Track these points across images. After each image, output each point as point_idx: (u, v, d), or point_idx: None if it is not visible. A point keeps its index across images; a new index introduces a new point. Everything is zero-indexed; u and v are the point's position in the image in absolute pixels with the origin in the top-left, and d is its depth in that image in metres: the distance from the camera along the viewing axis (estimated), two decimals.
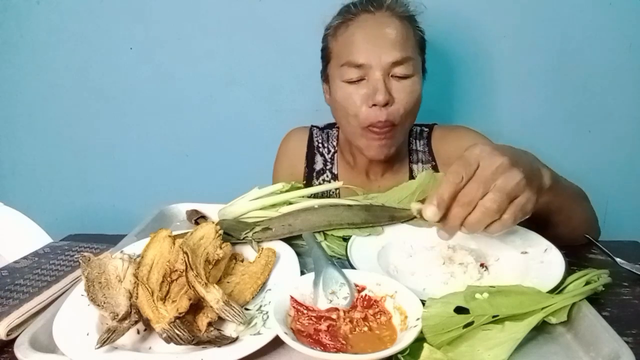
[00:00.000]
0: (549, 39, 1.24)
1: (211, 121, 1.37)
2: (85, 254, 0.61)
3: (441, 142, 1.04)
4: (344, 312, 0.52)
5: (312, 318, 0.51)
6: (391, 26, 0.89)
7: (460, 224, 0.56)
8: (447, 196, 0.55)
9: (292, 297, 0.53)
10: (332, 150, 1.10)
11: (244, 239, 0.71)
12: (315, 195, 0.84)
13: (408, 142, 1.05)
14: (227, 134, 1.38)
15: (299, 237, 0.74)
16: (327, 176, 1.09)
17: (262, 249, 0.68)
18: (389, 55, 0.87)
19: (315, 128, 1.13)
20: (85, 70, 1.34)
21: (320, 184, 1.08)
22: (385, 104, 0.87)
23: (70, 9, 1.30)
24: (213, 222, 0.69)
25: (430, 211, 0.55)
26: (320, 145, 1.11)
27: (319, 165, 1.10)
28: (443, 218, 0.56)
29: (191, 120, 1.37)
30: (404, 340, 0.45)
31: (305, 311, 0.52)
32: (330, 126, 1.13)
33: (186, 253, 0.55)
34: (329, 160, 1.09)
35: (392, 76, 0.88)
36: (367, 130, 0.91)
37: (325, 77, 1.00)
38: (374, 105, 0.87)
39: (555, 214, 0.72)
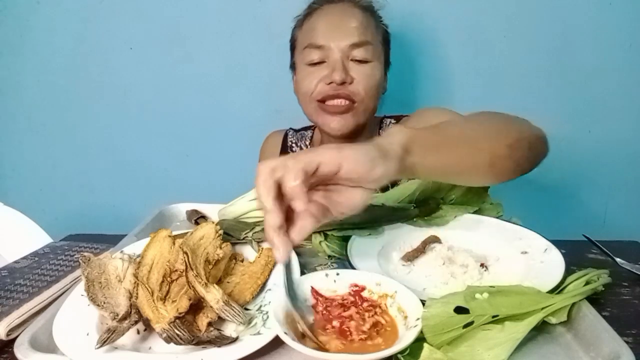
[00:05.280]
0: (549, 39, 1.24)
1: (211, 121, 1.37)
2: (85, 254, 0.61)
3: None
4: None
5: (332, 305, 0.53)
6: (351, 14, 0.94)
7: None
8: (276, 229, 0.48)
9: (312, 288, 0.55)
10: (304, 149, 1.15)
11: (244, 239, 0.71)
12: None
13: (379, 134, 1.05)
14: (227, 134, 1.38)
15: None
16: None
17: (262, 249, 0.67)
18: (348, 37, 0.91)
19: (291, 130, 1.20)
20: (85, 70, 1.34)
21: None
22: (343, 83, 0.90)
23: (70, 9, 1.30)
24: (213, 222, 0.69)
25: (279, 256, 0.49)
26: (293, 144, 1.17)
27: None
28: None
29: (191, 120, 1.37)
30: (404, 340, 0.45)
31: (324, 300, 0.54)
32: (306, 128, 1.18)
33: (186, 253, 0.55)
34: None
35: (351, 60, 0.92)
36: (324, 105, 0.94)
37: (292, 65, 1.04)
38: (331, 83, 0.91)
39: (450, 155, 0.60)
